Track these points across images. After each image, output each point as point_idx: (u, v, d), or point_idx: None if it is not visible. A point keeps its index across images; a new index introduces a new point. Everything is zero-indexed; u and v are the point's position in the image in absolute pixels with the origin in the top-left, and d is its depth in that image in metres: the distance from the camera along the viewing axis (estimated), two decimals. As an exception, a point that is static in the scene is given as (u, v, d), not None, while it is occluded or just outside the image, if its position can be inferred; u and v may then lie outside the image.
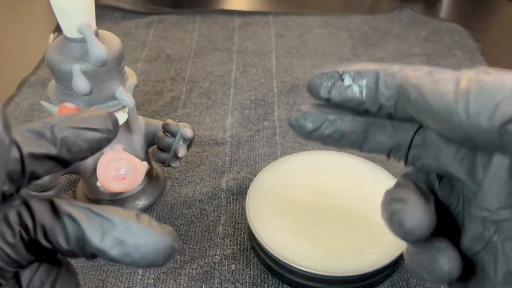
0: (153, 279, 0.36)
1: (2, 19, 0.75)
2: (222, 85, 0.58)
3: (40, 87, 0.58)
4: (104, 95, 0.33)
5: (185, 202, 0.42)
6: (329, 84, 0.23)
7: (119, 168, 0.36)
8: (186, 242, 0.38)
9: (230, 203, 0.42)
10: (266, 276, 0.36)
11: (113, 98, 0.33)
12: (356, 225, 0.36)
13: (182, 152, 0.38)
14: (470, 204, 0.23)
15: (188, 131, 0.37)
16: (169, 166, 0.39)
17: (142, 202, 0.41)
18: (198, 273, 0.36)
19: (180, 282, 0.35)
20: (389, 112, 0.23)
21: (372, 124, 0.24)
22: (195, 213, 0.41)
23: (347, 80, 0.23)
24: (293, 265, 0.33)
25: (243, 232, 0.39)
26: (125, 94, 0.33)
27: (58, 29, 0.70)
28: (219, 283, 0.35)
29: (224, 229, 0.39)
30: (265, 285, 0.35)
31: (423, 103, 0.20)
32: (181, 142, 0.38)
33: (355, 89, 0.23)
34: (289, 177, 0.40)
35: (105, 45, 0.31)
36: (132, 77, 0.36)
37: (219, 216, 0.41)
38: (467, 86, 0.19)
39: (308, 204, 0.37)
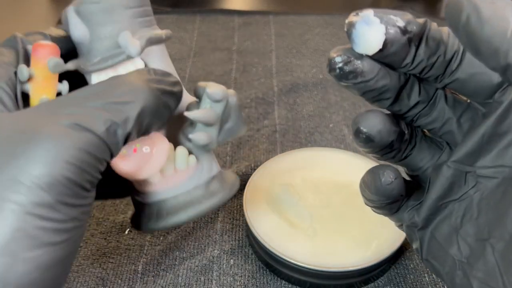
0: (153, 276, 0.36)
1: (1, 18, 0.75)
2: (222, 84, 0.58)
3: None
4: (106, 42, 0.26)
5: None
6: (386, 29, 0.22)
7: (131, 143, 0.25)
8: (185, 239, 0.38)
9: (228, 200, 0.42)
10: (264, 271, 0.36)
11: (118, 46, 0.26)
12: (353, 220, 0.36)
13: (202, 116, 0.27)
14: (449, 158, 0.24)
15: (215, 90, 0.27)
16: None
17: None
18: (196, 266, 0.36)
19: (178, 275, 0.36)
20: (423, 69, 0.23)
21: (405, 83, 0.24)
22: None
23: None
24: (290, 260, 0.33)
25: (241, 229, 0.39)
26: (128, 40, 0.25)
27: (58, 29, 0.70)
28: (217, 276, 0.35)
29: (223, 226, 0.39)
30: (264, 280, 0.35)
31: (475, 22, 0.18)
32: (208, 106, 0.27)
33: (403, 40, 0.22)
34: (287, 174, 0.40)
35: None
36: (159, 30, 0.28)
37: (218, 213, 0.40)
38: None
39: (305, 200, 0.37)
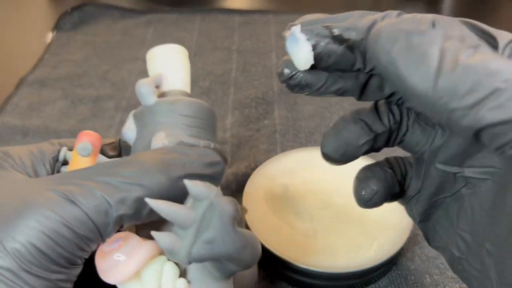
0: None
1: (1, 17, 0.75)
2: (222, 84, 0.58)
3: (38, 86, 0.57)
4: (144, 142, 0.25)
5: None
6: (316, 43, 0.20)
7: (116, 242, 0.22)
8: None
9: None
10: (263, 274, 0.36)
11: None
12: (354, 221, 0.36)
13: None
14: (437, 156, 0.23)
15: (195, 184, 0.21)
16: None
17: None
18: None
19: None
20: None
21: (370, 78, 0.22)
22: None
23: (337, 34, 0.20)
24: (290, 261, 0.33)
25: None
26: (156, 138, 0.24)
27: (56, 28, 0.70)
28: None
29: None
30: (264, 283, 0.35)
31: (394, 75, 0.18)
32: (189, 204, 0.22)
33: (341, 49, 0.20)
34: (287, 174, 0.39)
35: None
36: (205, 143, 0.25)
37: None
38: (451, 68, 0.16)
39: (305, 201, 0.37)
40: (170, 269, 0.22)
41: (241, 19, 0.72)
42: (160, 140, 0.24)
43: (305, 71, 0.21)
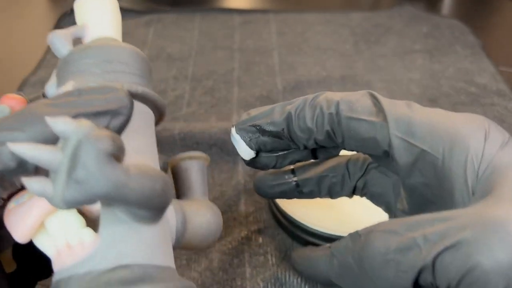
0: (185, 259, 0.36)
1: (1, 18, 0.74)
2: (225, 83, 0.58)
3: (40, 87, 0.57)
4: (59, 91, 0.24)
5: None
6: (250, 139, 0.26)
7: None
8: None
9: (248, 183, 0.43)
10: (294, 244, 0.37)
11: None
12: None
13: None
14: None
15: (56, 120, 0.18)
16: None
17: None
18: (228, 249, 0.37)
19: (212, 258, 0.36)
20: (314, 146, 0.25)
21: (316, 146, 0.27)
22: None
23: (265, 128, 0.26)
24: (317, 228, 0.35)
25: (264, 211, 0.40)
26: (62, 88, 0.23)
27: (56, 28, 0.70)
28: (249, 256, 0.36)
29: (246, 208, 0.40)
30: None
31: None
32: (60, 144, 0.19)
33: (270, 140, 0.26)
34: None
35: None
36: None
37: (239, 196, 0.42)
38: None
39: None
40: (72, 219, 0.21)
41: (241, 19, 0.72)
42: (64, 88, 0.23)
43: (257, 156, 0.27)
